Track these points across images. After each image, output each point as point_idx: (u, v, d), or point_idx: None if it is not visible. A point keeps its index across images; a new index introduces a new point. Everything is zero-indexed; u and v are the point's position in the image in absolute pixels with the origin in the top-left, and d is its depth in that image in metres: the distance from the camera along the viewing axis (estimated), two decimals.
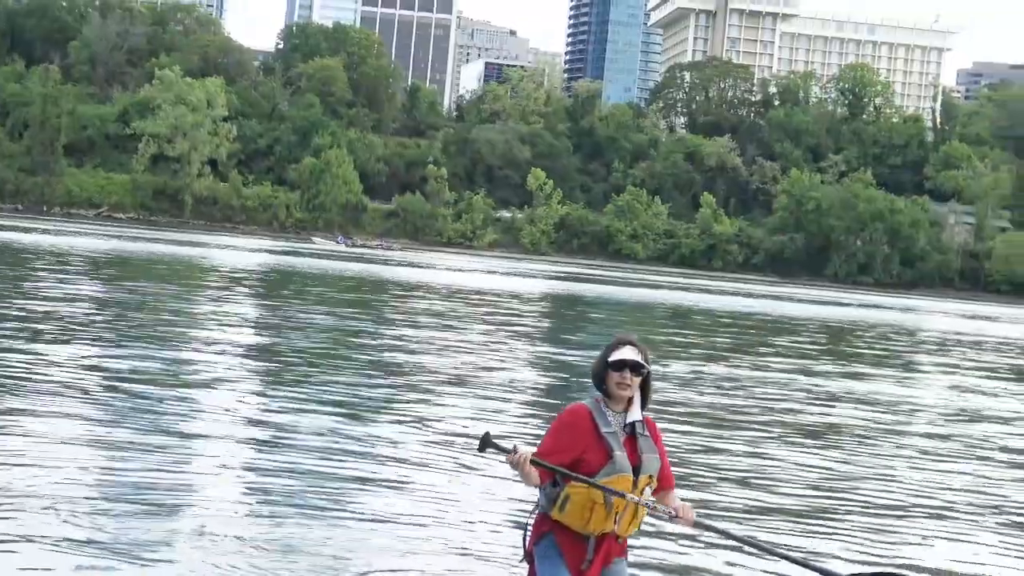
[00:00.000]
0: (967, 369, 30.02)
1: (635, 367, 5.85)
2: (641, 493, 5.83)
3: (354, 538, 8.85)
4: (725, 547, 8.56)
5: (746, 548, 7.15)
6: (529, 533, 6.16)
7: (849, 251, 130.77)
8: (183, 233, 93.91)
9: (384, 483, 11.10)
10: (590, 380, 6.23)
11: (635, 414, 5.95)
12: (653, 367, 6.08)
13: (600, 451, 5.82)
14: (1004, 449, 16.01)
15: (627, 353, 5.89)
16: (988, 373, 28.78)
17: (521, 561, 6.19)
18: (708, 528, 6.38)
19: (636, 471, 5.81)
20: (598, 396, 6.01)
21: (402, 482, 11.22)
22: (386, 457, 12.58)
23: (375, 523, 9.34)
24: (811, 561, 6.61)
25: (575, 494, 5.83)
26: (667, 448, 6.26)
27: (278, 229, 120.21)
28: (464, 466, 12.26)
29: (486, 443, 6.36)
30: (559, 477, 5.95)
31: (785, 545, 8.26)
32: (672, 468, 6.16)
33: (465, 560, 8.36)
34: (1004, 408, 21.52)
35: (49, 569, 7.29)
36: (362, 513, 9.81)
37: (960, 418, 18.88)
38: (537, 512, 6.12)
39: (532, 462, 5.94)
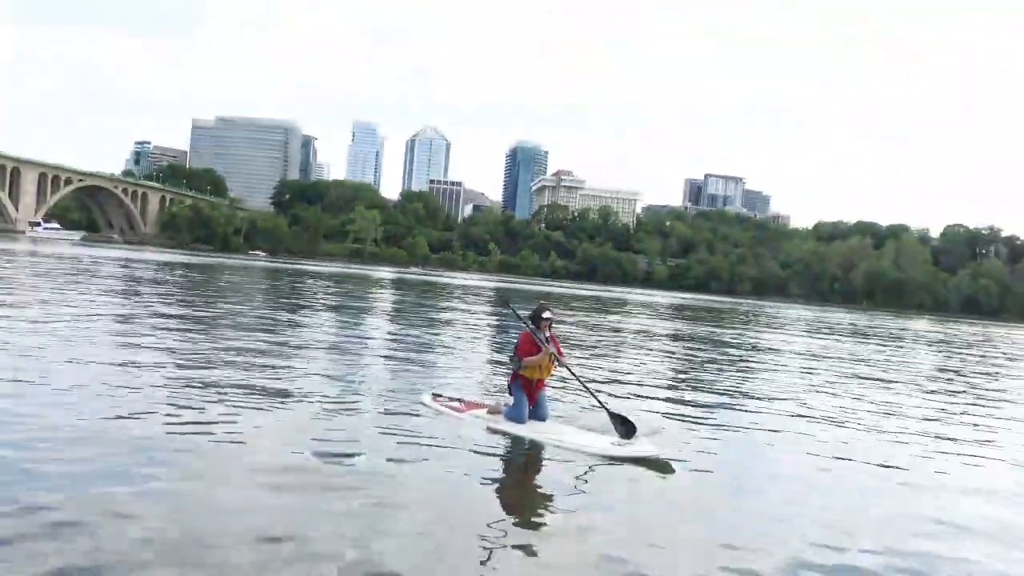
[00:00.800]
0: (648, 315, 28.20)
1: (549, 317, 6.17)
2: (551, 359, 6.07)
3: (428, 375, 8.04)
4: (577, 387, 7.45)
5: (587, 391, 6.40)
6: (509, 378, 6.25)
7: (605, 271, 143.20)
8: (365, 267, 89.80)
9: (439, 351, 10.13)
10: (531, 318, 6.17)
11: (547, 333, 6.18)
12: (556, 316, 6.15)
13: (539, 348, 6.09)
14: (660, 345, 15.34)
15: (547, 312, 6.16)
16: (653, 313, 26.61)
17: (507, 390, 6.28)
18: (567, 367, 6.18)
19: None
20: (533, 327, 6.15)
21: (449, 350, 10.32)
22: (444, 345, 11.42)
23: (445, 369, 8.41)
24: (605, 402, 6.34)
25: (530, 364, 5.98)
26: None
27: (399, 265, 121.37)
28: (480, 343, 11.40)
29: (505, 302, 6.87)
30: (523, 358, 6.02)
31: (601, 392, 7.49)
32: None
33: (487, 387, 7.87)
34: (660, 327, 20.59)
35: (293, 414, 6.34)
36: (430, 360, 8.94)
37: (644, 330, 18.46)
38: (512, 370, 6.20)
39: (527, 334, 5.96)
